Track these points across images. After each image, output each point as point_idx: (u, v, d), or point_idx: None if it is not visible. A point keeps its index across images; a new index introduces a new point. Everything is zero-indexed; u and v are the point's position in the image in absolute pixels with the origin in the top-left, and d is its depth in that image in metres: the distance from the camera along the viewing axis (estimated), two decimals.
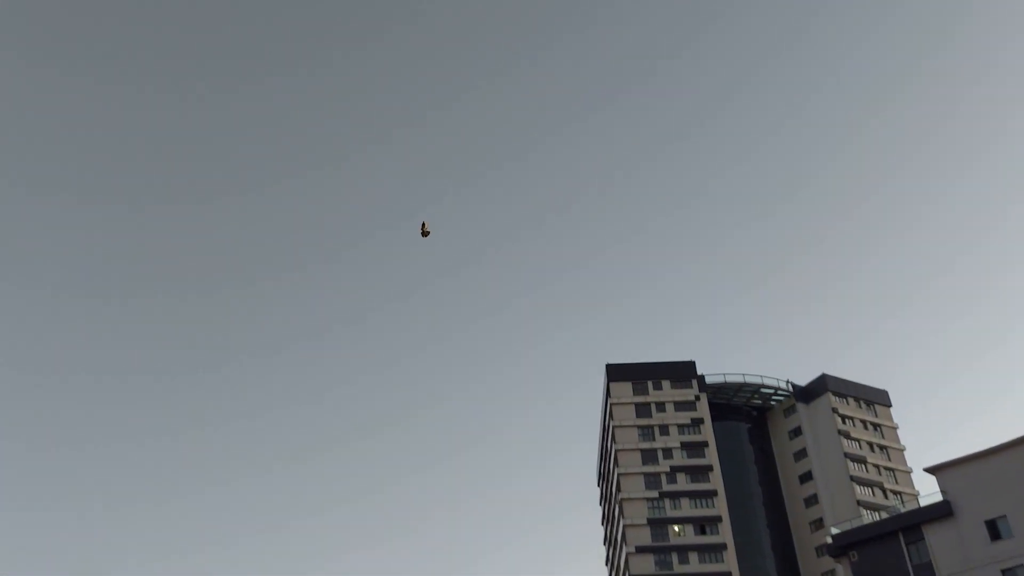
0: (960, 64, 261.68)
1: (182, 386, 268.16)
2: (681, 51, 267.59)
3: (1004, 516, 58.38)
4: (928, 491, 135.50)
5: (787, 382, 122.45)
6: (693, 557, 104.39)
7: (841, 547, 63.77)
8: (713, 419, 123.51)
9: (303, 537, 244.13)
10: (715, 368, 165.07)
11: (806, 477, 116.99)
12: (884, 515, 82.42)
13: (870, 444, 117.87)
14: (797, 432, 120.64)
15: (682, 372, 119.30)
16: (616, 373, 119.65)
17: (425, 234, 64.78)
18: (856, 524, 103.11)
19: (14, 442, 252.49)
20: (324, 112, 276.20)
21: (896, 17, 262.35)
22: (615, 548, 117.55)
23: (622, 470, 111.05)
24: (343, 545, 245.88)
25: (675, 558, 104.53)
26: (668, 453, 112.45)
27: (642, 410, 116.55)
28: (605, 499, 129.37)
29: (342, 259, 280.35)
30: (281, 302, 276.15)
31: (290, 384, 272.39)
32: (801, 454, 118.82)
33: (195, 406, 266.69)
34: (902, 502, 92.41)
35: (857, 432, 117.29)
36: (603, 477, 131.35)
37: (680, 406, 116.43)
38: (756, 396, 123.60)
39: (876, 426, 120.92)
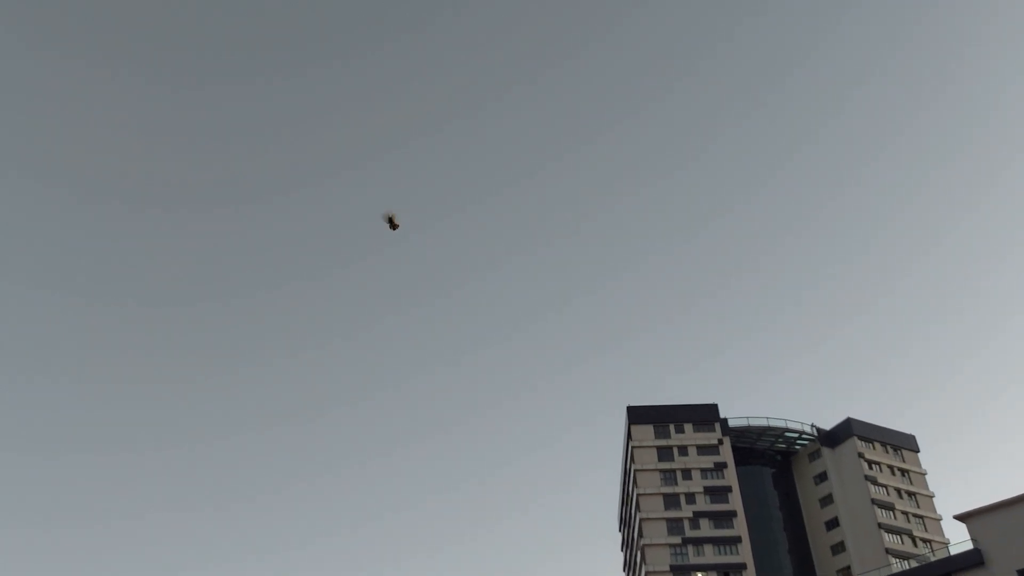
0: (972, 95, 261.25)
1: (186, 395, 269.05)
2: (693, 70, 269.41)
3: None
4: (958, 539, 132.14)
5: (812, 426, 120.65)
6: None
7: None
8: (736, 463, 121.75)
9: (321, 558, 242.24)
10: (735, 407, 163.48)
11: (832, 524, 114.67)
12: (913, 564, 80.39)
13: (898, 490, 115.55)
14: (823, 477, 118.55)
15: (705, 415, 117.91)
16: (637, 416, 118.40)
17: (394, 227, 64.01)
18: (885, 573, 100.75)
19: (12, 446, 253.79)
20: (329, 121, 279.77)
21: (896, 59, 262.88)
22: None
23: (644, 515, 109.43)
24: (352, 569, 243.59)
25: None
26: (691, 498, 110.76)
27: (664, 454, 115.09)
28: (627, 545, 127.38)
29: (352, 272, 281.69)
30: (293, 315, 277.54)
31: (300, 399, 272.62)
32: (827, 500, 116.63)
33: (190, 421, 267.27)
34: (932, 550, 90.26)
35: (884, 478, 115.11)
36: (624, 522, 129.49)
37: (703, 450, 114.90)
38: (780, 440, 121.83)
39: (904, 472, 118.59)
